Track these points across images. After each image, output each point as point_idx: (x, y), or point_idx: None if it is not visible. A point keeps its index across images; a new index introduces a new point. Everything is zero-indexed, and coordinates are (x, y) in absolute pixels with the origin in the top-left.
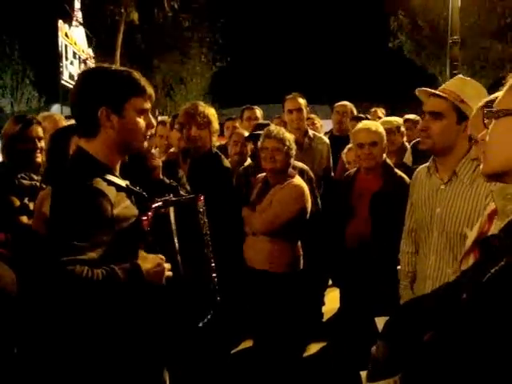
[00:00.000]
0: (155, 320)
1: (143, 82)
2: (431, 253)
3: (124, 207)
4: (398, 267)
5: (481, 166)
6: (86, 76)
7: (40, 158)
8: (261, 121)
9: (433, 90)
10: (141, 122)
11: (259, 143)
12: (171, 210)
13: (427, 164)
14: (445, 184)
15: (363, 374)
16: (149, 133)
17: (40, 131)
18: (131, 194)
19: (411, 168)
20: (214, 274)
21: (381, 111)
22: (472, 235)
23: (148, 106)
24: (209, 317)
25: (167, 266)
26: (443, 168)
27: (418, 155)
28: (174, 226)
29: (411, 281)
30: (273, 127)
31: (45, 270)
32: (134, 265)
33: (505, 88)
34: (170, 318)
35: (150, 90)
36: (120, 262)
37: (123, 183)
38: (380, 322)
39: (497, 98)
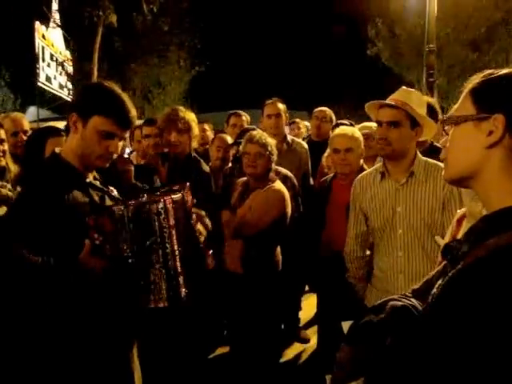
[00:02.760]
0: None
1: (125, 110)
2: (398, 249)
3: (83, 203)
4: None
5: (443, 173)
6: (87, 85)
7: (3, 161)
8: (247, 126)
9: (385, 102)
10: (101, 141)
11: (241, 148)
12: (124, 209)
13: (370, 171)
14: (401, 185)
15: (328, 377)
16: (115, 156)
17: (1, 133)
18: (97, 192)
19: None
20: (179, 268)
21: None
22: (444, 243)
23: (116, 132)
24: (164, 304)
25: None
26: (397, 170)
27: None
28: (127, 226)
29: (366, 280)
30: (255, 132)
31: None
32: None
33: (462, 95)
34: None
35: (128, 120)
36: (68, 252)
37: (90, 181)
38: (346, 325)
39: None
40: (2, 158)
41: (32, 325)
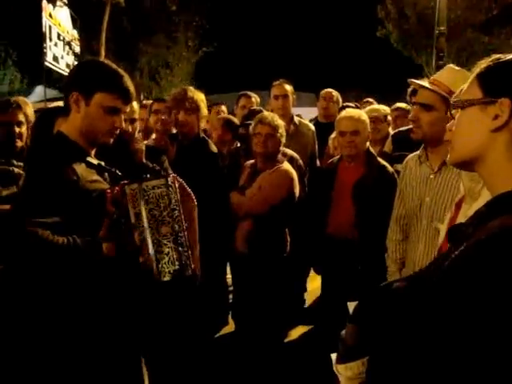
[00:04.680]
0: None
1: (126, 85)
2: (420, 241)
3: (92, 180)
4: (386, 254)
5: (448, 156)
6: (81, 63)
7: (20, 143)
8: (254, 107)
9: (422, 83)
10: (106, 117)
11: (251, 128)
12: (137, 186)
13: (417, 152)
14: (434, 173)
15: (333, 356)
16: (117, 131)
17: (20, 116)
18: (103, 172)
19: (391, 156)
20: (188, 241)
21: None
22: (444, 229)
23: (121, 106)
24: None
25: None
26: (434, 157)
27: (399, 144)
28: (140, 201)
29: (400, 267)
30: (267, 113)
31: (7, 231)
32: (94, 238)
33: (469, 79)
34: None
35: (130, 95)
36: (86, 229)
37: (95, 162)
38: (351, 306)
39: None
40: (18, 140)
41: (51, 305)
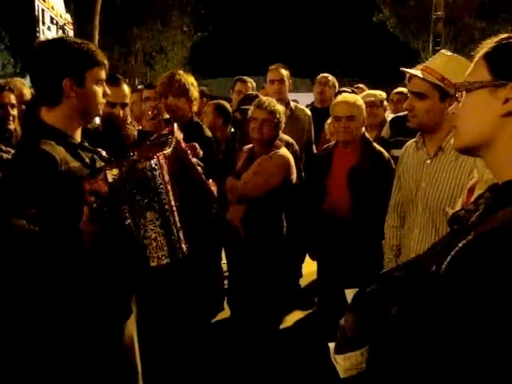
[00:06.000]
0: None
1: (100, 53)
2: (415, 226)
3: (72, 167)
4: (383, 241)
5: (452, 141)
6: (46, 47)
7: (13, 125)
8: (250, 92)
9: (413, 72)
10: (99, 90)
11: (249, 113)
12: (118, 171)
13: (416, 138)
14: (431, 159)
15: (331, 345)
16: (104, 100)
17: (12, 98)
18: (86, 152)
19: (388, 141)
20: (178, 223)
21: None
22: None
23: (104, 76)
24: (166, 261)
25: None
26: (431, 143)
27: (397, 130)
28: (122, 187)
29: (396, 254)
30: (265, 98)
31: None
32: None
33: (475, 59)
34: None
35: (105, 61)
36: (65, 218)
37: (77, 142)
38: (350, 293)
39: None
40: (11, 122)
41: (29, 297)
